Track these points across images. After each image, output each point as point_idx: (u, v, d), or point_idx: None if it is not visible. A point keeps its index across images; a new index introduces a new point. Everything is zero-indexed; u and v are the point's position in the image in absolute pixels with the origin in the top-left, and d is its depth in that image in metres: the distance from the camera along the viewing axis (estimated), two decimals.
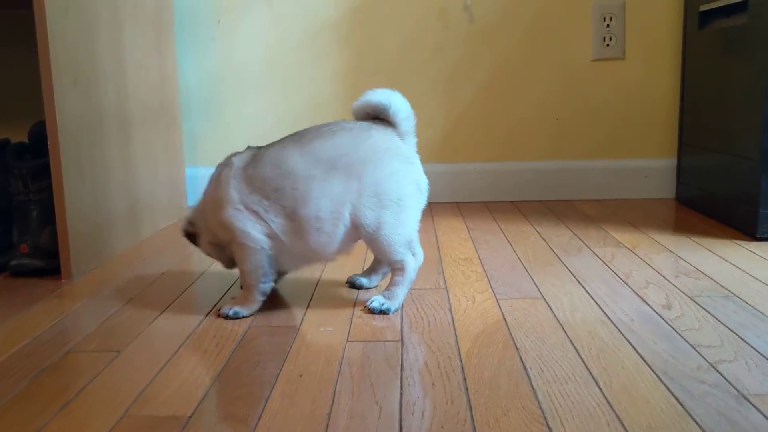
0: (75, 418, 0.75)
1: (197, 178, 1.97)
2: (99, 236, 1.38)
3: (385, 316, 1.04)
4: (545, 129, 1.93)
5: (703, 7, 1.68)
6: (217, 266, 1.31)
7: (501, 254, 1.38)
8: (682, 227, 1.57)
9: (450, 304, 1.09)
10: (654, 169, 1.92)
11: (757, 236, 1.42)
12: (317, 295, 1.15)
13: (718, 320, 0.99)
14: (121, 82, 1.50)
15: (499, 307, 1.07)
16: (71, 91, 1.28)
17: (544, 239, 1.49)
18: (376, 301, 1.05)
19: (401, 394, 0.78)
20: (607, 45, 1.88)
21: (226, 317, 1.04)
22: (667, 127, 1.91)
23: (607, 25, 1.87)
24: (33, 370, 0.88)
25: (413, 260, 1.07)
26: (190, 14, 1.91)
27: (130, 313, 1.09)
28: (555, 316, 1.02)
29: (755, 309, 1.03)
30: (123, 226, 1.49)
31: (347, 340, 0.94)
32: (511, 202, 1.93)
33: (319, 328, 1.00)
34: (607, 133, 1.92)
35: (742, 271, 1.22)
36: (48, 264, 1.31)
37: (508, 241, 1.49)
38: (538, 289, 1.15)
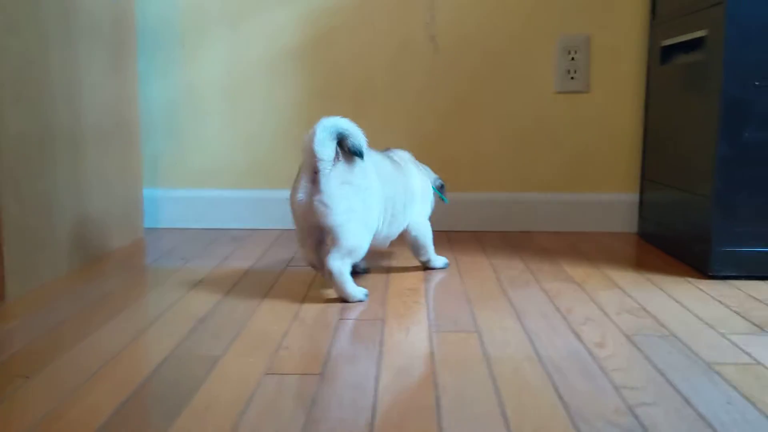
0: None
1: (157, 199, 1.95)
2: (40, 257, 1.36)
3: (310, 347, 1.02)
4: (508, 160, 1.92)
5: (665, 42, 1.68)
6: (161, 288, 1.29)
7: (449, 286, 1.36)
8: (637, 263, 1.55)
9: (383, 336, 1.07)
10: (617, 203, 1.91)
11: (709, 274, 1.41)
12: (252, 322, 1.13)
13: (649, 360, 0.96)
14: (73, 100, 1.48)
15: (431, 340, 1.05)
16: (13, 109, 1.27)
17: (495, 271, 1.48)
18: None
19: (303, 430, 0.76)
20: (572, 78, 1.88)
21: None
22: (631, 161, 1.90)
23: (572, 58, 1.87)
24: None
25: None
26: (154, 36, 1.90)
27: (54, 337, 1.06)
28: (484, 351, 1.00)
29: (690, 350, 1.01)
30: (70, 246, 1.47)
31: (265, 373, 0.92)
32: (473, 232, 1.92)
33: (242, 359, 0.97)
34: (570, 166, 1.91)
35: (687, 310, 1.21)
36: None
37: (459, 272, 1.47)
38: (475, 322, 1.13)
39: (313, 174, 1.21)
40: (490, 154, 1.92)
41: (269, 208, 1.92)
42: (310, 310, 1.20)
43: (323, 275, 1.27)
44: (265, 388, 0.87)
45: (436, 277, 1.42)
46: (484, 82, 1.89)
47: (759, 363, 0.96)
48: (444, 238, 1.83)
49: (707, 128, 1.41)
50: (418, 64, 1.89)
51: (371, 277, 1.42)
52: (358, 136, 1.24)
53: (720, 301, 1.25)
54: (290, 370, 0.93)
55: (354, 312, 1.19)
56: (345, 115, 1.91)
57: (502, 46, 1.88)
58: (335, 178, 1.21)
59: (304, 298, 1.27)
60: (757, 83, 1.34)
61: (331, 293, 1.28)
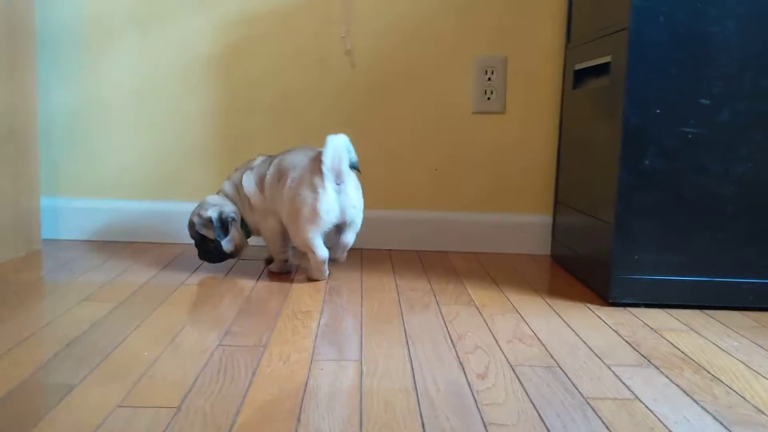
0: None
1: (56, 209, 1.86)
2: None
3: (177, 376, 0.96)
4: (424, 178, 1.89)
5: (577, 66, 1.68)
6: (41, 305, 1.22)
7: (346, 308, 1.32)
8: (542, 287, 1.54)
9: (259, 364, 1.02)
10: (531, 224, 1.89)
11: (609, 301, 1.40)
12: (122, 347, 1.06)
13: (527, 394, 0.94)
14: None
15: (309, 369, 1.00)
16: None
17: (398, 292, 1.44)
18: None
19: None
20: (488, 98, 1.87)
21: None
22: (545, 183, 1.89)
23: (489, 78, 1.86)
24: None
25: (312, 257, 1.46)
26: (55, 40, 1.82)
27: None
28: (361, 382, 0.96)
29: (571, 383, 0.98)
30: None
31: (119, 405, 0.86)
32: (388, 250, 1.88)
33: (99, 388, 0.91)
34: (485, 186, 1.89)
35: (579, 338, 1.19)
36: None
37: (362, 293, 1.43)
38: (361, 350, 1.09)
39: (339, 181, 1.42)
40: (405, 170, 1.89)
41: (175, 222, 1.85)
42: (191, 333, 1.14)
43: (338, 258, 1.51)
44: (113, 422, 0.81)
45: (336, 299, 1.38)
46: (402, 99, 1.87)
47: (637, 398, 0.94)
48: (356, 255, 1.79)
49: (611, 154, 1.41)
50: (334, 79, 1.85)
51: (270, 296, 1.37)
52: (353, 151, 1.47)
53: (614, 330, 1.24)
54: (146, 402, 0.87)
55: (236, 337, 1.13)
56: (259, 128, 1.87)
57: (420, 63, 1.86)
58: (353, 183, 1.46)
59: (189, 320, 1.21)
60: (657, 111, 1.34)
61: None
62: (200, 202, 1.56)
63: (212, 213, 1.51)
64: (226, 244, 1.53)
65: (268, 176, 1.49)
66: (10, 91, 1.60)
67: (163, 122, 1.86)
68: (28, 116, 1.69)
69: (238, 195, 1.55)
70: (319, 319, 1.25)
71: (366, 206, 1.89)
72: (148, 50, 1.84)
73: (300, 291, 1.43)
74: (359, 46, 1.85)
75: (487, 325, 1.24)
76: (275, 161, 1.51)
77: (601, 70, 1.53)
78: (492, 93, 1.87)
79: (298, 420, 0.84)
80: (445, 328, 1.21)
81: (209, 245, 1.53)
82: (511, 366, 1.04)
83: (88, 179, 1.87)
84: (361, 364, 1.03)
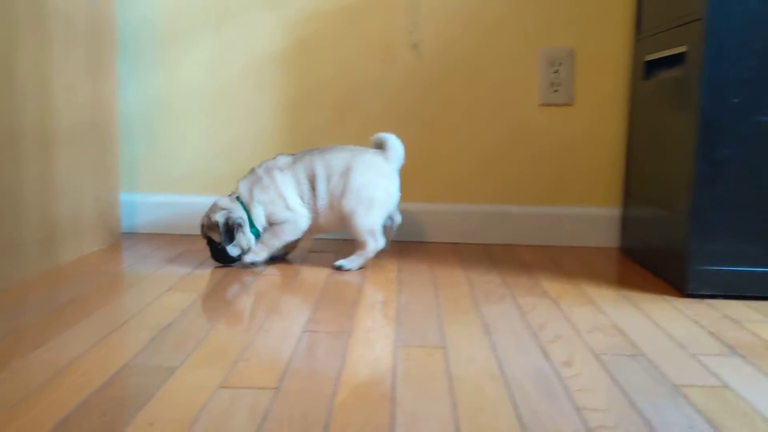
0: None
1: (134, 204, 1.93)
2: (7, 260, 1.33)
3: (270, 359, 0.99)
4: (489, 171, 1.90)
5: (648, 57, 1.67)
6: (130, 294, 1.27)
7: (421, 299, 1.34)
8: (615, 279, 1.53)
9: (346, 350, 1.05)
10: (599, 217, 1.89)
11: (686, 293, 1.39)
12: (215, 332, 1.10)
13: (615, 381, 0.94)
14: (44, 101, 1.46)
15: (395, 355, 1.02)
16: None
17: (471, 285, 1.45)
18: (340, 261, 1.54)
19: None
20: (555, 90, 1.87)
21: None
22: (613, 175, 1.88)
23: (556, 71, 1.86)
24: None
25: (373, 244, 1.54)
26: (135, 37, 1.89)
27: (8, 343, 1.04)
28: (448, 367, 0.98)
29: (658, 370, 0.99)
30: (37, 249, 1.44)
31: (219, 386, 0.90)
32: (453, 244, 1.89)
33: (198, 371, 0.95)
34: (552, 179, 1.89)
35: (660, 328, 1.19)
36: None
37: (434, 285, 1.45)
38: (443, 337, 1.11)
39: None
40: (472, 164, 1.90)
41: None
42: (276, 320, 1.18)
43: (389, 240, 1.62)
44: (217, 402, 0.85)
45: (411, 289, 1.40)
46: (468, 91, 1.88)
47: (726, 386, 0.94)
48: (422, 248, 1.81)
49: (685, 144, 1.40)
50: (400, 72, 1.88)
51: (345, 287, 1.40)
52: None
53: (694, 321, 1.23)
54: (245, 383, 0.90)
55: (320, 324, 1.16)
56: (325, 123, 1.90)
57: (486, 56, 1.86)
58: None
59: (272, 309, 1.25)
60: (735, 100, 1.33)
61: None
62: (212, 204, 1.56)
63: (219, 218, 1.51)
64: (232, 250, 1.53)
65: (321, 173, 1.55)
66: (92, 88, 1.67)
67: (234, 118, 1.91)
68: (109, 112, 1.75)
69: (251, 196, 1.55)
70: (397, 309, 1.27)
71: (431, 200, 1.92)
72: (220, 48, 1.89)
73: (373, 283, 1.46)
74: (425, 40, 1.86)
75: (564, 315, 1.25)
76: (316, 159, 1.56)
77: (674, 60, 1.52)
78: (559, 85, 1.86)
79: (393, 401, 0.86)
80: (523, 319, 1.22)
81: (216, 247, 1.54)
82: (594, 354, 1.05)
83: (162, 174, 1.93)
84: (445, 350, 1.05)
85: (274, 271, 1.53)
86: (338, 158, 1.56)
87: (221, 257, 1.55)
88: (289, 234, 1.56)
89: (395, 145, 1.59)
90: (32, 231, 1.43)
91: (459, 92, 1.88)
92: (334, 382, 0.92)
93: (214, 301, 1.29)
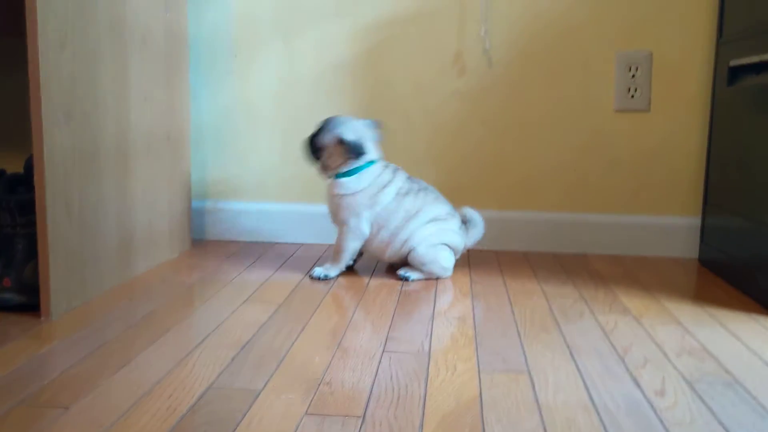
0: None
1: (204, 212, 1.94)
2: (85, 272, 1.36)
3: (352, 383, 0.98)
4: (562, 178, 1.85)
5: (733, 63, 1.60)
6: (206, 307, 1.28)
7: (498, 315, 1.31)
8: (697, 294, 1.48)
9: (428, 373, 1.03)
10: (677, 227, 1.82)
11: None
12: (293, 352, 1.10)
13: (713, 414, 0.90)
14: (123, 114, 1.48)
15: (479, 380, 1.00)
16: (62, 125, 1.26)
17: (547, 300, 1.42)
18: (402, 270, 1.56)
19: None
20: (632, 96, 1.81)
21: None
22: (692, 184, 1.82)
23: (633, 75, 1.80)
24: None
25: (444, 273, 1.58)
26: (207, 48, 1.90)
27: (95, 361, 1.05)
28: (536, 396, 0.95)
29: (756, 401, 0.94)
30: (115, 260, 1.46)
31: (306, 413, 0.89)
32: (523, 252, 1.86)
33: (282, 395, 0.94)
34: (627, 187, 1.84)
35: (753, 352, 1.13)
36: (30, 299, 1.28)
37: (509, 299, 1.42)
38: (526, 361, 1.08)
39: None
40: (544, 171, 1.86)
41: (317, 223, 1.90)
42: (354, 338, 1.17)
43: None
44: (305, 430, 0.84)
45: (485, 304, 1.37)
46: (540, 97, 1.83)
47: None
48: (493, 258, 1.78)
49: None
50: (470, 78, 1.84)
51: (418, 301, 1.38)
52: None
53: None
54: (331, 410, 0.89)
55: (398, 343, 1.15)
56: (395, 131, 1.88)
57: (560, 61, 1.82)
58: None
59: (348, 324, 1.24)
60: None
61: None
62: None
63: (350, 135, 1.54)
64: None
65: (417, 217, 1.56)
66: (167, 97, 1.68)
67: (303, 127, 1.90)
68: (182, 121, 1.77)
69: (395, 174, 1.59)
70: (474, 326, 1.24)
71: (502, 207, 1.88)
72: (290, 55, 1.89)
73: (445, 295, 1.44)
74: (497, 44, 1.83)
75: (650, 336, 1.21)
76: (419, 203, 1.56)
77: (762, 67, 1.45)
78: (636, 90, 1.81)
79: None
80: (606, 340, 1.18)
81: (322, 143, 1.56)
82: (687, 382, 1.01)
83: (233, 182, 1.94)
84: (530, 376, 1.02)
85: (344, 282, 1.52)
86: (435, 210, 1.56)
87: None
88: (353, 241, 1.56)
89: (480, 225, 1.63)
90: (111, 242, 1.45)
91: (532, 98, 1.84)
92: (421, 410, 0.90)
93: (290, 314, 1.29)
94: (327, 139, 1.54)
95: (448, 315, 1.31)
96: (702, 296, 1.46)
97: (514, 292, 1.47)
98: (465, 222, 1.62)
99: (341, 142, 1.52)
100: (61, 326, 1.21)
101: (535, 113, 1.84)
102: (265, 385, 0.97)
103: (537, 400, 0.93)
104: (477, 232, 1.63)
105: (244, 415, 0.88)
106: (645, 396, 0.96)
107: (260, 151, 1.93)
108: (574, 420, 0.88)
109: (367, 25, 1.85)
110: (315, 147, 1.56)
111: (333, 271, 1.56)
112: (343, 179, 1.54)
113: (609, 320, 1.29)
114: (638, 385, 0.99)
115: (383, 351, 1.11)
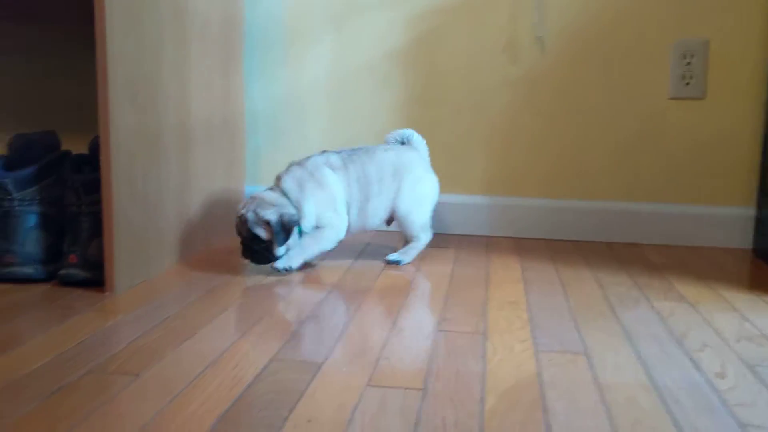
0: None
1: None
2: (148, 251, 1.39)
3: (410, 358, 0.99)
4: (615, 167, 1.84)
5: None
6: (262, 286, 1.30)
7: (552, 300, 1.31)
8: (754, 283, 1.46)
9: (485, 351, 1.04)
10: (732, 217, 1.80)
11: None
12: (351, 328, 1.12)
13: None
14: (184, 99, 1.51)
15: (537, 360, 1.01)
16: (128, 108, 1.30)
17: (601, 286, 1.41)
18: (392, 255, 1.55)
19: None
20: (687, 83, 1.78)
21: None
22: (748, 173, 1.79)
23: (688, 63, 1.78)
24: (46, 390, 0.87)
25: (425, 237, 1.57)
26: (261, 37, 1.93)
27: (160, 333, 1.08)
28: (594, 375, 0.95)
29: None
30: (175, 240, 1.50)
31: (367, 384, 0.90)
32: (575, 241, 1.85)
33: (343, 368, 0.96)
34: (681, 176, 1.82)
35: None
36: (95, 275, 1.32)
37: (563, 285, 1.42)
38: (583, 342, 1.08)
39: None
40: (596, 160, 1.85)
41: None
42: (408, 318, 1.18)
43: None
44: (368, 401, 0.85)
45: (538, 290, 1.38)
46: (593, 85, 1.82)
47: None
48: (544, 246, 1.78)
49: None
50: (522, 66, 1.84)
51: (469, 285, 1.39)
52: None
53: None
54: (392, 383, 0.91)
55: (453, 324, 1.16)
56: (446, 119, 1.89)
57: (613, 48, 1.80)
58: None
59: (402, 305, 1.25)
60: None
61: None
62: (256, 198, 1.44)
63: (272, 215, 1.39)
64: (280, 250, 1.41)
65: (374, 176, 1.51)
66: (224, 85, 1.72)
67: (354, 114, 1.92)
68: (237, 109, 1.80)
69: (303, 193, 1.46)
70: (529, 310, 1.25)
71: (554, 196, 1.88)
72: (342, 45, 1.91)
73: (498, 282, 1.44)
74: (549, 31, 1.82)
75: (707, 322, 1.20)
76: (365, 161, 1.52)
77: None
78: (691, 78, 1.78)
79: (546, 410, 0.84)
80: (663, 325, 1.18)
81: (258, 245, 1.41)
82: (748, 366, 1.00)
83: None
84: (588, 357, 1.02)
85: (395, 268, 1.54)
86: (386, 159, 1.54)
87: (262, 257, 1.42)
88: (329, 242, 1.48)
89: (421, 141, 1.62)
90: (171, 223, 1.48)
91: (585, 86, 1.83)
92: (480, 386, 0.91)
93: (346, 295, 1.31)
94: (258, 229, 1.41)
95: (501, 299, 1.31)
96: (758, 286, 1.44)
97: (567, 279, 1.47)
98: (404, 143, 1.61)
99: (267, 222, 1.40)
100: (125, 301, 1.25)
101: (588, 101, 1.83)
102: (326, 359, 0.99)
103: (596, 380, 0.94)
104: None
105: (308, 385, 0.90)
106: (705, 378, 0.95)
107: (312, 137, 1.95)
108: (635, 398, 0.88)
109: (420, 13, 1.86)
110: (284, 237, 1.41)
111: (297, 261, 1.44)
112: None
113: (665, 307, 1.28)
114: (698, 367, 0.99)
115: (438, 330, 1.13)
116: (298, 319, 1.16)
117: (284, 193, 1.46)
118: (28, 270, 1.34)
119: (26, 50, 1.90)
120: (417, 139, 1.62)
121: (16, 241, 1.35)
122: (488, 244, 1.79)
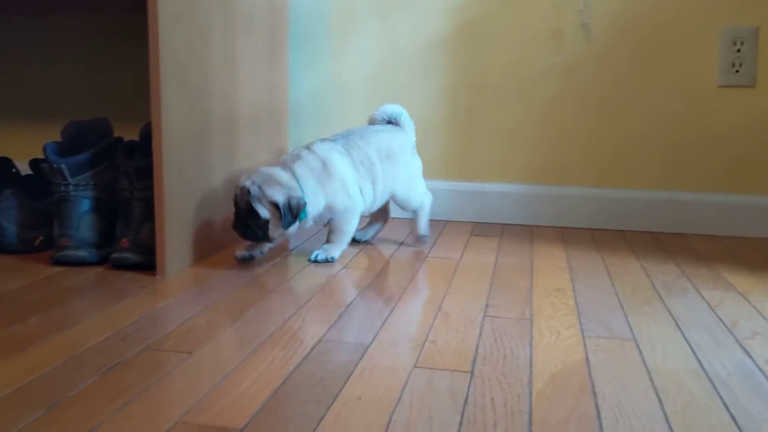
0: (129, 420, 0.76)
1: None
2: (197, 235, 1.42)
3: (457, 342, 1.00)
4: (662, 155, 1.81)
5: None
6: (307, 271, 1.32)
7: (598, 288, 1.31)
8: None
9: (532, 337, 1.04)
10: None
11: None
12: (396, 313, 1.13)
13: None
14: (231, 88, 1.53)
15: (584, 345, 1.00)
16: (179, 95, 1.33)
17: (647, 275, 1.40)
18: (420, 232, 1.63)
19: (459, 431, 0.74)
20: (736, 71, 1.75)
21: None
22: None
23: (738, 50, 1.74)
24: (103, 365, 0.90)
25: (428, 200, 1.62)
26: (305, 26, 1.94)
27: (211, 314, 1.11)
28: (644, 361, 0.95)
29: None
30: (223, 227, 1.53)
31: (415, 366, 0.91)
32: (620, 231, 1.83)
33: (389, 350, 0.97)
34: (728, 165, 1.78)
35: None
36: (146, 259, 1.35)
37: (609, 273, 1.41)
38: (631, 329, 1.07)
39: None
40: (642, 148, 1.82)
41: None
42: (453, 304, 1.19)
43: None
44: (416, 381, 0.86)
45: (584, 278, 1.37)
46: (640, 72, 1.80)
47: None
48: (588, 235, 1.76)
49: None
50: (567, 54, 1.82)
51: (514, 272, 1.39)
52: None
53: None
54: (439, 365, 0.92)
55: (498, 309, 1.16)
56: (491, 107, 1.88)
57: (661, 35, 1.78)
58: None
59: (448, 291, 1.26)
60: None
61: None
62: (262, 173, 1.38)
63: (280, 197, 1.35)
64: (275, 231, 1.37)
65: (375, 158, 1.52)
66: (270, 73, 1.74)
67: (398, 102, 1.92)
68: (282, 97, 1.82)
69: (319, 185, 1.43)
70: (575, 297, 1.24)
71: (598, 184, 1.86)
72: (385, 34, 1.91)
73: (543, 269, 1.44)
74: (596, 19, 1.80)
75: (758, 311, 1.18)
76: (363, 144, 1.52)
77: None
78: (741, 65, 1.75)
79: (594, 393, 0.84)
80: (713, 313, 1.16)
81: (254, 222, 1.36)
82: None
83: None
84: (636, 343, 1.02)
85: (439, 254, 1.54)
86: (382, 142, 1.54)
87: (254, 234, 1.37)
88: (352, 226, 1.48)
89: (409, 121, 1.63)
90: (219, 209, 1.51)
91: (632, 73, 1.80)
92: (528, 370, 0.91)
93: (391, 280, 1.32)
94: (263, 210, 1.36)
95: (547, 287, 1.31)
96: None
97: (613, 267, 1.46)
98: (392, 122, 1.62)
99: (274, 203, 1.35)
100: (176, 284, 1.27)
101: (635, 89, 1.81)
102: (372, 341, 1.00)
103: (645, 365, 0.93)
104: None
105: (356, 365, 0.91)
106: (756, 365, 0.94)
107: (354, 126, 1.96)
108: (685, 384, 0.87)
109: (465, 1, 1.86)
110: (291, 220, 1.37)
111: (336, 252, 1.47)
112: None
113: (714, 296, 1.26)
114: (749, 354, 0.98)
115: (484, 316, 1.13)
116: (343, 303, 1.18)
117: (295, 177, 1.41)
118: (83, 253, 1.38)
119: (79, 41, 1.95)
120: (405, 118, 1.62)
121: (71, 226, 1.38)
122: (532, 233, 1.78)
